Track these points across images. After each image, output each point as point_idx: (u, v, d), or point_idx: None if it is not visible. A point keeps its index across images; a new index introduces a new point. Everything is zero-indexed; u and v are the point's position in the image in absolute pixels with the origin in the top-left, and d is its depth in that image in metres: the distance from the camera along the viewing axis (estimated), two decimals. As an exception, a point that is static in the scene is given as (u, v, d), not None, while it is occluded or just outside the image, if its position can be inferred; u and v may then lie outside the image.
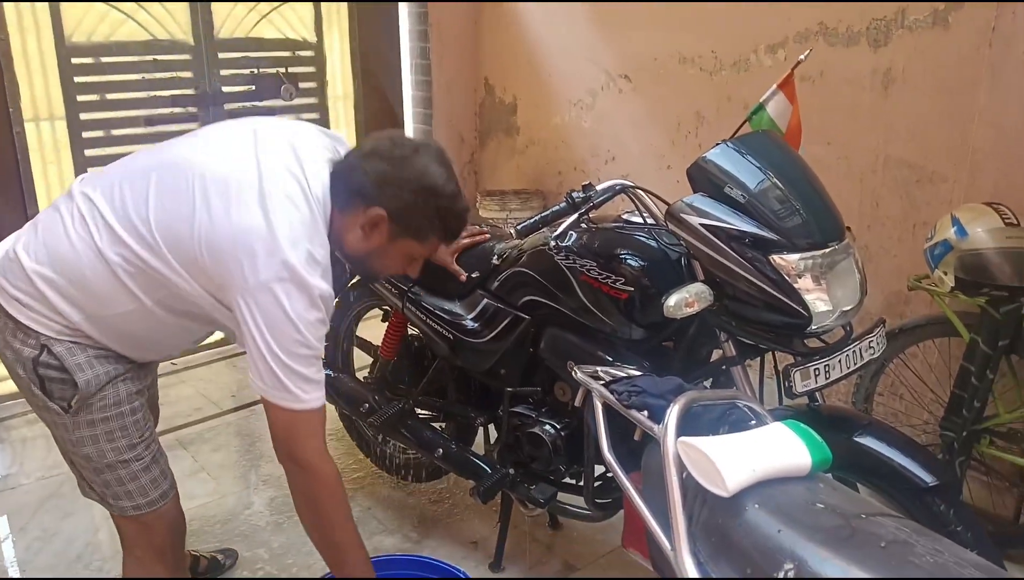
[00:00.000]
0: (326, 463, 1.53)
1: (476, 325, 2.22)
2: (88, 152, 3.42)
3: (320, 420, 1.52)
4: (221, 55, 3.66)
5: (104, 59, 3.39)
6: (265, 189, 1.42)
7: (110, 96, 3.45)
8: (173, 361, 3.83)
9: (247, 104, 3.76)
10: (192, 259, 1.43)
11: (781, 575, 0.85)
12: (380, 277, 1.66)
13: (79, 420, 1.55)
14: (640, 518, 1.07)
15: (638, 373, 1.26)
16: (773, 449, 0.99)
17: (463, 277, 2.19)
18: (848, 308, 1.71)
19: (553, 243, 2.01)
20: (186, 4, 3.53)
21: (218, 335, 3.84)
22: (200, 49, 3.59)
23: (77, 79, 3.33)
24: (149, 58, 3.49)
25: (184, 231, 1.41)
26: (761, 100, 2.11)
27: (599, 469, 1.93)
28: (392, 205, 1.49)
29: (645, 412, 1.15)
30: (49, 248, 1.48)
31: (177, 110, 3.62)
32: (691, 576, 0.91)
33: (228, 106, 3.72)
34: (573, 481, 2.17)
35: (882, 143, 2.81)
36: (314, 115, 4.02)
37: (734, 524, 0.93)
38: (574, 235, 2.00)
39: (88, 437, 1.56)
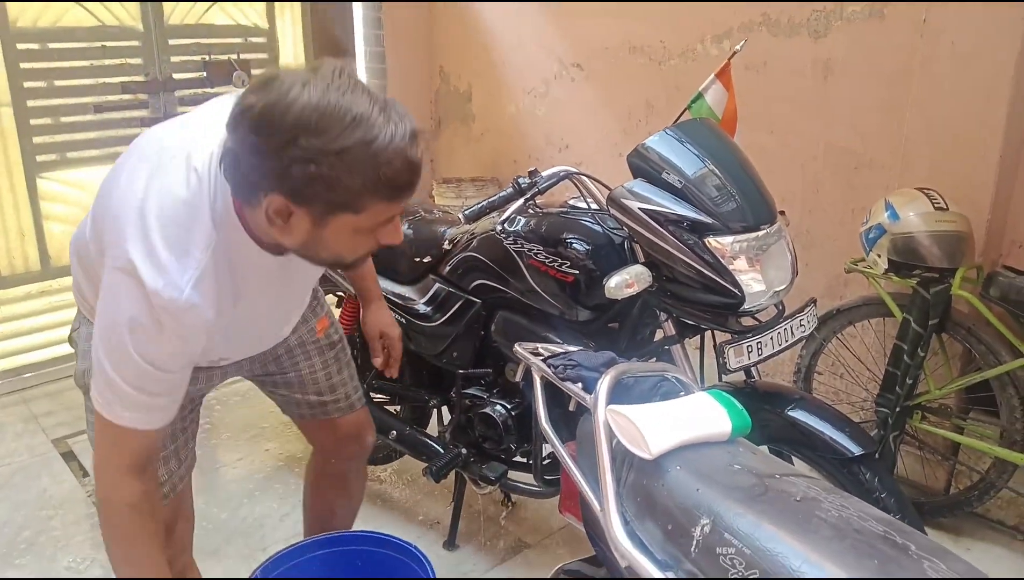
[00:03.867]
0: (119, 489, 1.26)
1: (428, 309, 2.27)
2: (36, 139, 3.37)
3: (134, 442, 1.26)
4: (172, 41, 3.63)
5: (51, 45, 3.34)
6: (160, 163, 1.20)
7: (58, 83, 3.40)
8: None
9: (198, 91, 3.74)
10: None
11: (697, 530, 0.91)
12: (350, 266, 1.33)
13: (88, 404, 1.44)
14: (574, 484, 1.13)
15: (575, 348, 1.32)
16: (695, 415, 1.05)
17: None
18: (780, 288, 1.79)
19: (501, 228, 2.06)
20: (136, -10, 3.49)
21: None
22: (150, 35, 3.56)
23: (23, 65, 3.28)
24: (97, 44, 3.45)
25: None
26: (700, 89, 2.18)
27: (548, 448, 1.99)
28: (285, 185, 1.07)
29: (579, 384, 1.21)
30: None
31: (127, 97, 3.58)
32: (617, 533, 0.97)
33: (179, 93, 3.69)
34: (524, 459, 2.23)
35: (823, 130, 2.90)
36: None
37: (658, 485, 0.99)
38: (522, 220, 2.05)
39: (92, 423, 1.44)
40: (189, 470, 1.63)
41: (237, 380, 1.73)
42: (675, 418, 1.04)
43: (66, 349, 3.64)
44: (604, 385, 1.10)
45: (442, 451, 2.30)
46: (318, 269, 1.51)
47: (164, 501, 1.52)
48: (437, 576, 1.65)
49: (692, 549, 0.91)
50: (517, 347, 1.39)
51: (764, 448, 1.71)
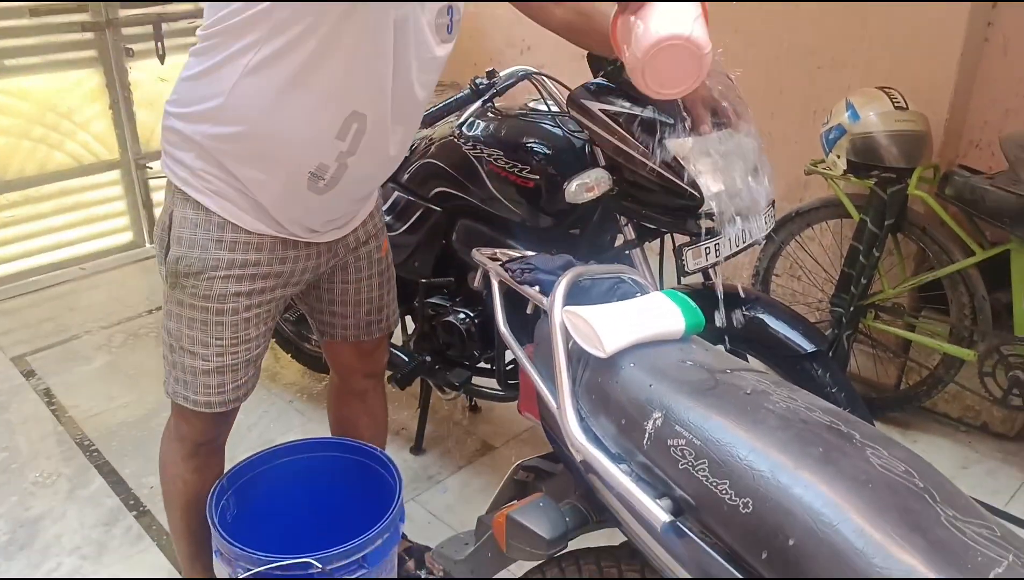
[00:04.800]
0: None
1: (388, 218, 2.24)
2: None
3: None
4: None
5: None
6: None
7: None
8: (82, 266, 3.74)
9: None
10: None
11: (650, 423, 0.93)
12: None
13: (173, 295, 1.47)
14: (532, 384, 1.14)
15: (532, 253, 1.31)
16: (650, 314, 1.06)
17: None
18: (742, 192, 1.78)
19: (459, 132, 2.02)
20: None
21: (125, 238, 3.72)
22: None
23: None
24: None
25: None
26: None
27: (510, 354, 2.01)
28: None
29: (536, 287, 1.21)
30: None
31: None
32: (572, 429, 0.99)
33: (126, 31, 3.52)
34: (487, 365, 2.26)
35: (786, 31, 2.85)
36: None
37: (612, 382, 1.01)
38: (481, 124, 2.01)
39: (175, 313, 1.48)
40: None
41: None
42: (629, 317, 1.05)
43: (19, 265, 3.57)
44: (560, 287, 1.10)
45: (407, 359, 2.31)
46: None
47: (215, 409, 1.55)
48: (403, 480, 1.68)
49: (644, 442, 0.93)
50: (475, 253, 1.38)
51: (720, 347, 1.75)
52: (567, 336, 1.07)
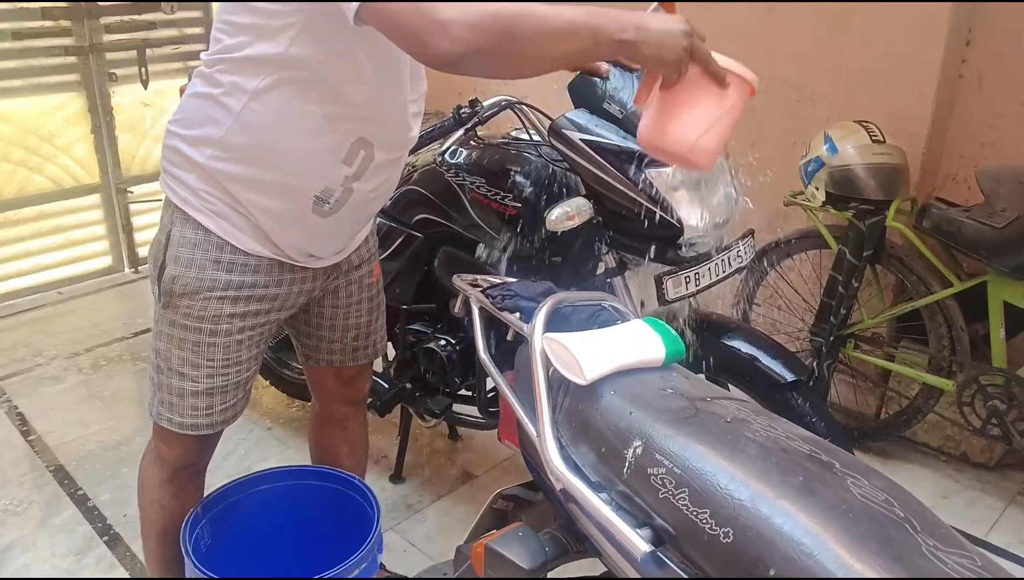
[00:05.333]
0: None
1: (370, 244, 2.24)
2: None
3: None
4: (95, -35, 3.45)
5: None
6: None
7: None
8: (59, 290, 3.70)
9: (125, 18, 3.57)
10: None
11: (630, 452, 0.93)
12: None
13: (165, 315, 1.45)
14: (512, 411, 1.14)
15: (513, 280, 1.31)
16: (630, 342, 1.06)
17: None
18: (720, 221, 1.80)
19: (441, 159, 2.03)
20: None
21: (104, 262, 3.69)
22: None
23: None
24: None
25: None
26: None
27: (491, 382, 2.00)
28: None
29: (517, 314, 1.21)
30: None
31: (48, 24, 3.40)
32: (552, 457, 0.98)
33: (104, 20, 3.52)
34: (468, 392, 2.24)
35: (766, 64, 2.89)
36: (199, 29, 3.85)
37: (592, 409, 1.00)
38: (463, 152, 2.02)
39: (166, 333, 1.46)
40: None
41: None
42: (610, 345, 1.05)
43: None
44: (541, 314, 1.10)
45: (387, 386, 2.29)
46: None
47: (202, 432, 1.53)
48: (382, 508, 1.66)
49: (624, 470, 0.92)
50: (456, 279, 1.38)
51: (700, 376, 1.75)
52: (547, 363, 1.07)
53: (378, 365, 2.45)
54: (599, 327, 1.17)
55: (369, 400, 2.27)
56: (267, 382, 2.81)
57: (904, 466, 2.54)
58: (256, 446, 2.63)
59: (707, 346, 1.78)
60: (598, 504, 0.92)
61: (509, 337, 1.25)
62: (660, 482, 0.88)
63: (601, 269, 2.04)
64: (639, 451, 0.92)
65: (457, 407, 2.24)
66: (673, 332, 1.10)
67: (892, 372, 2.56)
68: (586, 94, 1.80)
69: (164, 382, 1.49)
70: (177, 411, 1.49)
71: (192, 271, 1.40)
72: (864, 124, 2.39)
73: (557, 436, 1.02)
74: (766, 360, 1.73)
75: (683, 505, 0.86)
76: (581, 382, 1.00)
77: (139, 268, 3.94)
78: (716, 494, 0.84)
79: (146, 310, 3.40)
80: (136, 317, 3.46)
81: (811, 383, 1.71)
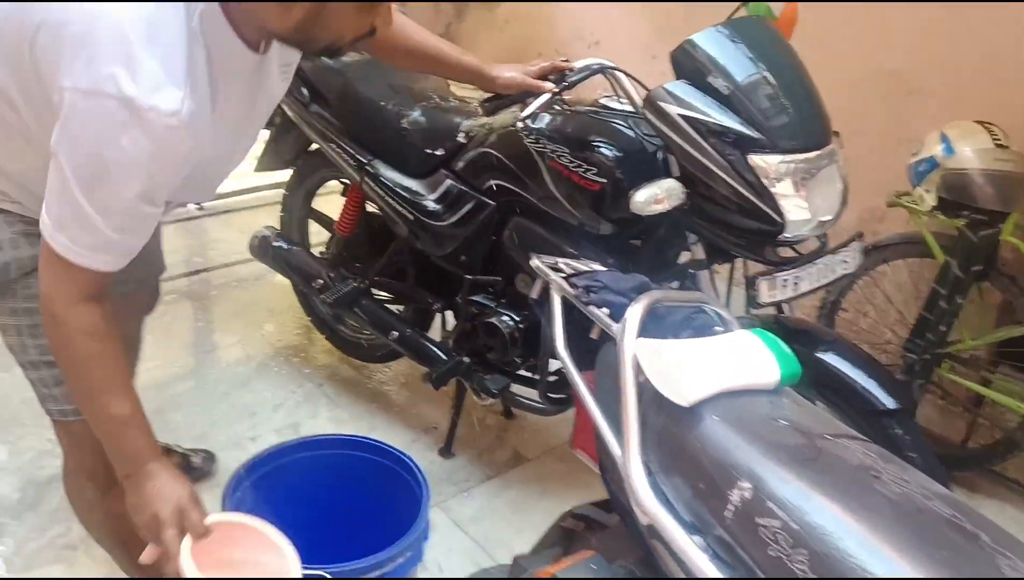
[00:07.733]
0: (72, 317, 1.15)
1: (438, 207, 2.11)
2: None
3: (94, 278, 1.15)
4: None
5: None
6: None
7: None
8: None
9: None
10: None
11: (735, 494, 0.79)
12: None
13: (2, 306, 1.33)
14: (590, 420, 1.00)
15: (601, 267, 1.17)
16: (739, 359, 0.92)
17: (547, 89, 1.76)
18: (826, 219, 1.63)
19: (523, 124, 1.87)
20: None
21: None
22: None
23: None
24: None
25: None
26: (761, -16, 1.95)
27: (555, 364, 1.87)
28: None
29: (605, 309, 1.07)
30: None
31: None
32: (638, 485, 0.85)
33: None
34: (528, 374, 2.12)
35: (872, 52, 2.67)
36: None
37: (690, 435, 0.87)
38: (547, 117, 1.87)
39: (12, 326, 1.35)
40: None
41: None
42: (716, 360, 0.90)
43: None
44: (635, 314, 0.96)
45: (444, 358, 2.19)
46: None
47: None
48: (429, 484, 1.56)
49: (727, 514, 0.79)
50: (536, 262, 1.25)
51: (816, 404, 1.59)
52: (638, 371, 0.93)
53: (436, 334, 2.35)
54: (694, 331, 1.03)
55: (425, 371, 2.18)
56: (323, 336, 2.73)
57: (990, 502, 2.35)
58: (306, 401, 2.56)
59: (797, 357, 1.62)
60: (690, 549, 0.79)
61: (594, 335, 1.12)
62: (772, 536, 0.74)
63: (685, 259, 1.88)
64: (747, 495, 0.78)
65: (515, 387, 2.13)
66: (787, 349, 0.95)
67: (984, 398, 2.36)
68: (690, 64, 1.63)
69: (35, 377, 1.38)
70: (66, 399, 1.36)
71: (13, 250, 1.29)
72: (986, 125, 2.17)
73: (645, 460, 0.88)
74: (865, 382, 1.56)
75: (800, 569, 0.72)
76: (682, 403, 0.86)
77: None
78: (842, 563, 0.70)
79: None
80: (194, 255, 3.42)
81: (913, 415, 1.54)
